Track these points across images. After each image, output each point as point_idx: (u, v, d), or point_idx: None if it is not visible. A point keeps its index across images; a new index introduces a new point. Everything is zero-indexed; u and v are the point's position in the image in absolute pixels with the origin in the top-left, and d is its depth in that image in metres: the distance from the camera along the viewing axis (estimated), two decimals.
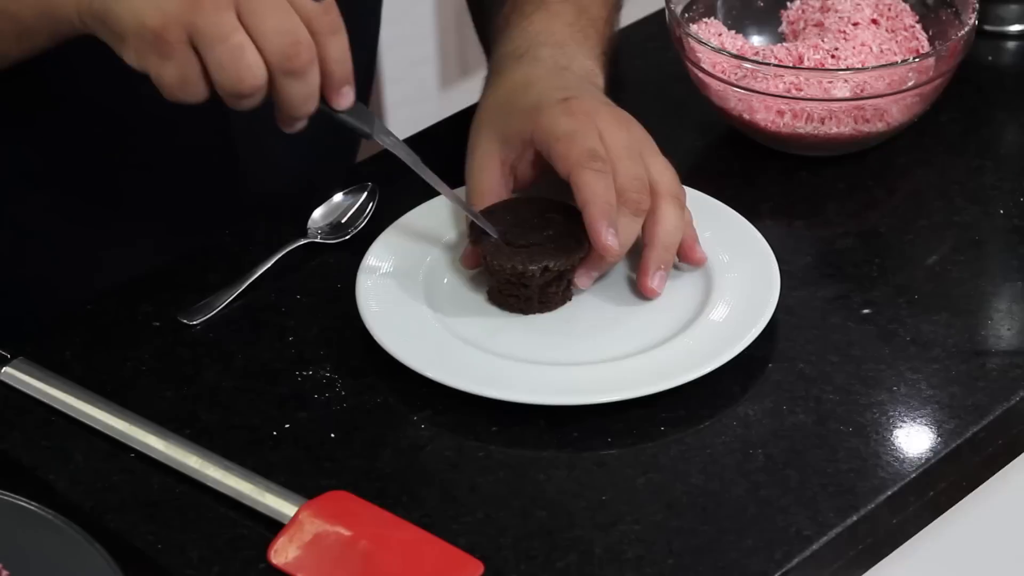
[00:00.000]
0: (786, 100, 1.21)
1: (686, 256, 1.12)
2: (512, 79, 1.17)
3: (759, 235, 1.14)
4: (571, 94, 1.13)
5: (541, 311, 1.11)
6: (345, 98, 1.03)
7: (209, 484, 1.00)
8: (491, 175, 1.13)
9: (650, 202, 1.09)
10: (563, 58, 1.19)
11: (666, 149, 1.13)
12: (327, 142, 1.11)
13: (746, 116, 1.24)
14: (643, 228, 1.10)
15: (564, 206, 1.11)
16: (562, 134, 1.09)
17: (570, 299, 1.12)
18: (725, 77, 1.23)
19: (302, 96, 1.00)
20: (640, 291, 1.11)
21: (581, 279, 1.10)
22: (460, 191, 1.15)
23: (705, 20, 1.29)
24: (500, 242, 1.09)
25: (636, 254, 1.13)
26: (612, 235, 1.07)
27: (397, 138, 1.08)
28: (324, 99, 1.02)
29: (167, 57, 0.97)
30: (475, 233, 1.11)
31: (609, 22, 1.26)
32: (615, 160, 1.09)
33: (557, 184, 1.11)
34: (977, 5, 1.24)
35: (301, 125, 1.02)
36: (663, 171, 1.11)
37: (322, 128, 1.05)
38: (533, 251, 1.09)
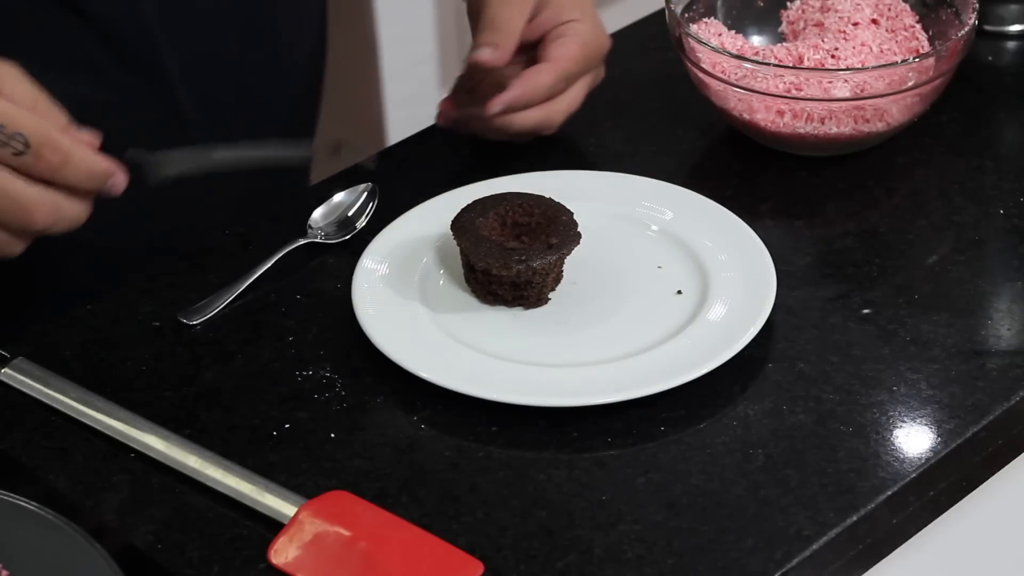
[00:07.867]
0: (786, 100, 1.21)
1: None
2: None
3: (753, 233, 1.14)
4: None
5: (535, 306, 1.11)
6: (117, 188, 1.04)
7: (209, 484, 1.00)
8: (515, 9, 1.17)
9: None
10: None
11: (666, 149, 1.13)
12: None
13: (746, 116, 1.24)
14: (540, 59, 1.19)
15: (542, 199, 1.12)
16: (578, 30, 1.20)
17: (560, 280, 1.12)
18: (725, 77, 1.23)
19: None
20: (488, 109, 1.19)
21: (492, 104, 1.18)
22: (439, 199, 1.18)
23: (705, 20, 1.29)
24: (493, 246, 1.09)
25: (633, 254, 1.13)
26: (488, 53, 1.17)
27: (185, 158, 1.10)
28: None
29: None
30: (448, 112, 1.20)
31: None
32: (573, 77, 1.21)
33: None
34: (977, 5, 1.24)
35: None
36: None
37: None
38: (525, 249, 1.09)
